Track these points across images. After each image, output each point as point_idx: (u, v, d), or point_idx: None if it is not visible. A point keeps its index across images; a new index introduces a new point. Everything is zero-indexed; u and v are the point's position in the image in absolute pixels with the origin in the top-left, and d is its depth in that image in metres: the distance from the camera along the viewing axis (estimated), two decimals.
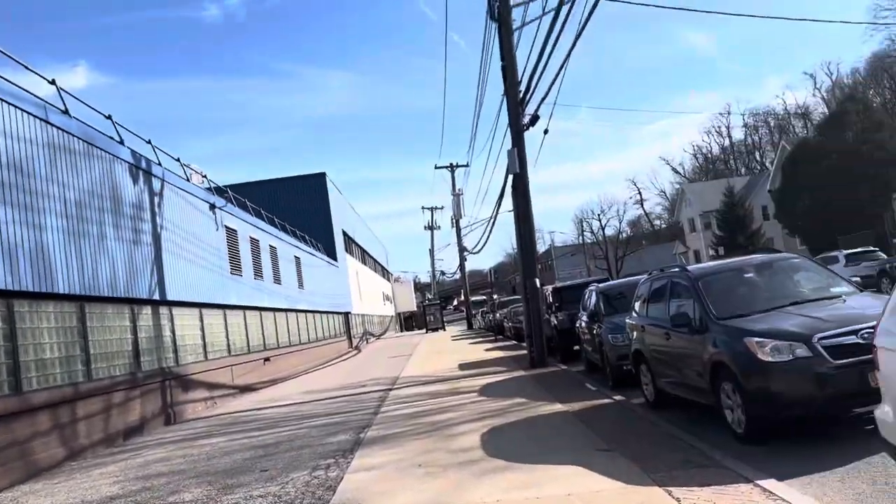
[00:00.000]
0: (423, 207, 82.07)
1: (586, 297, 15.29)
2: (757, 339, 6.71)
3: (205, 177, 21.27)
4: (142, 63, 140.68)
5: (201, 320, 17.03)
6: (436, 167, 52.82)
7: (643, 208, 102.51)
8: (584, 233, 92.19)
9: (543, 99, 14.91)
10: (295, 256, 29.29)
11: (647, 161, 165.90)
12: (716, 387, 7.41)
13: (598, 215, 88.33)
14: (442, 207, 72.59)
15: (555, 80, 14.00)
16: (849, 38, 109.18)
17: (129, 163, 13.63)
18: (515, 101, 17.32)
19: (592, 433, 8.34)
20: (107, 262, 12.14)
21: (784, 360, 6.49)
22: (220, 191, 23.07)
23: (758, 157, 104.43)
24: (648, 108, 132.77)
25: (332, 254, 40.27)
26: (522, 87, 17.20)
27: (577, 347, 17.73)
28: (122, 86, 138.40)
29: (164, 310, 14.77)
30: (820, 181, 43.64)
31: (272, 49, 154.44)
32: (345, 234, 46.57)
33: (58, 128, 11.18)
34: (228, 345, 18.93)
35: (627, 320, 10.76)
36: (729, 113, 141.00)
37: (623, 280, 14.78)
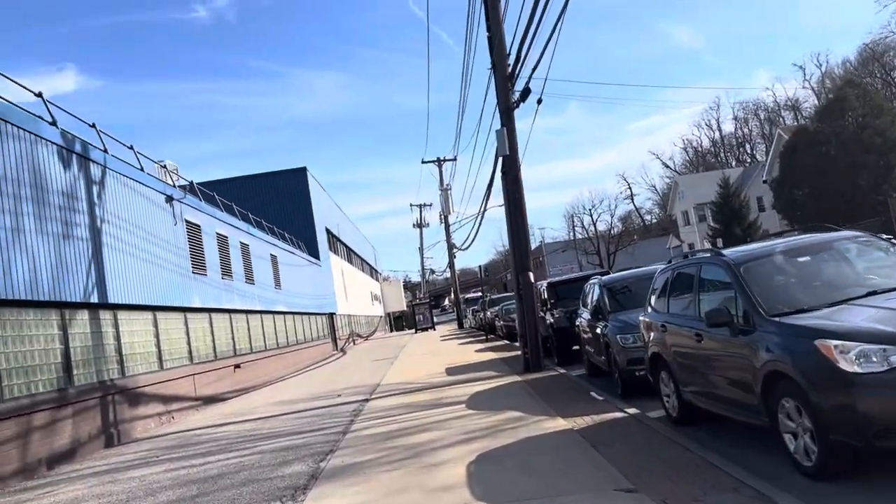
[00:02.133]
0: (411, 204, 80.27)
1: (587, 292, 13.55)
2: (835, 341, 4.96)
3: (186, 182, 19.43)
4: (129, 66, 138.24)
5: (155, 325, 15.16)
6: (423, 161, 50.94)
7: (633, 203, 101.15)
8: (576, 228, 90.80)
9: (535, 68, 13.11)
10: (271, 254, 27.41)
11: (636, 156, 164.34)
12: (770, 404, 5.67)
13: (590, 210, 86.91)
14: (430, 204, 70.81)
15: (548, 42, 12.20)
16: (836, 30, 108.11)
17: (57, 144, 11.76)
18: (504, 76, 15.55)
19: (607, 463, 6.58)
20: (25, 259, 10.28)
21: (877, 371, 4.75)
22: (193, 190, 21.25)
23: (748, 150, 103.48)
24: (637, 103, 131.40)
25: (314, 252, 38.39)
26: (511, 61, 15.46)
27: (575, 348, 16.02)
28: (110, 89, 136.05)
29: (105, 314, 12.90)
30: (819, 169, 42.11)
31: (260, 50, 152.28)
32: (329, 232, 44.70)
33: None
34: (190, 351, 17.06)
35: (641, 318, 9.01)
36: (718, 106, 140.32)
37: (629, 272, 13.04)
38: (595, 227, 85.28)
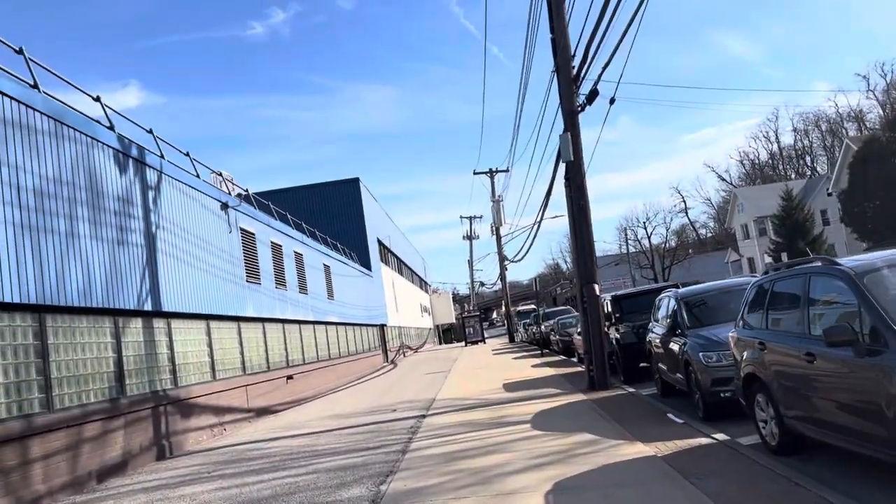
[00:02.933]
0: (461, 217, 79.82)
1: (659, 305, 12.70)
2: None
3: (242, 191, 19.29)
4: (189, 82, 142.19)
5: (209, 334, 14.87)
6: (474, 172, 50.49)
7: (688, 216, 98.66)
8: (629, 241, 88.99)
9: (606, 67, 12.38)
10: (324, 264, 27.15)
11: (691, 168, 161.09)
12: None
13: (644, 223, 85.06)
14: (481, 216, 70.23)
15: (621, 39, 11.46)
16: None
17: (114, 148, 11.54)
18: (568, 79, 14.86)
19: (706, 498, 5.81)
20: (78, 264, 10.01)
21: None
22: (248, 199, 21.14)
23: (808, 162, 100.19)
24: (692, 114, 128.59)
25: (366, 263, 38.14)
26: (576, 63, 14.77)
27: (643, 365, 15.14)
28: (171, 104, 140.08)
29: (159, 322, 12.62)
30: (891, 181, 40.09)
31: (313, 65, 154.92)
32: (380, 242, 44.46)
33: (15, 100, 9.10)
34: (243, 362, 16.75)
35: (731, 334, 8.19)
36: (777, 117, 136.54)
37: (707, 284, 12.20)
38: (649, 240, 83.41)
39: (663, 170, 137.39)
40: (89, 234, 10.39)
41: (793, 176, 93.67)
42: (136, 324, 11.78)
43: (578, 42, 14.42)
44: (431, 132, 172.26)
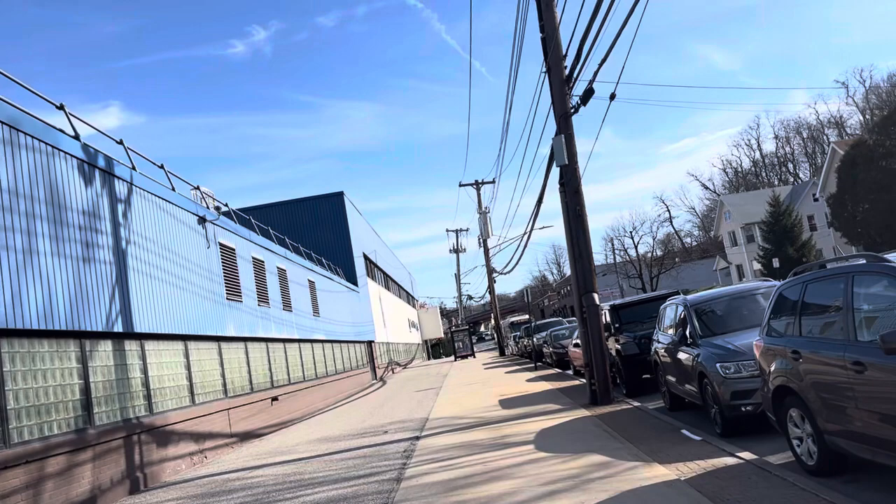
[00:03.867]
0: (447, 230, 79.24)
1: (664, 314, 12.01)
2: None
3: (222, 206, 18.44)
4: (170, 101, 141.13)
5: (187, 356, 13.99)
6: (460, 184, 49.84)
7: (672, 226, 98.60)
8: (616, 251, 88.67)
9: (602, 63, 11.72)
10: (309, 280, 26.29)
11: (675, 178, 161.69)
12: None
13: (630, 232, 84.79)
14: (467, 229, 69.65)
15: (618, 35, 10.81)
16: (876, 46, 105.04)
17: (78, 158, 10.71)
18: (560, 79, 14.22)
19: None
20: (38, 283, 9.15)
21: None
22: (229, 215, 20.33)
23: (791, 169, 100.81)
24: (673, 125, 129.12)
25: (352, 278, 37.26)
26: (568, 63, 14.16)
27: (645, 377, 14.45)
28: (153, 124, 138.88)
29: (131, 344, 11.75)
30: (881, 184, 39.90)
31: (296, 83, 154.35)
32: (366, 257, 43.60)
33: None
34: (225, 384, 15.85)
35: (756, 342, 7.49)
36: (758, 125, 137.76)
37: (718, 290, 11.52)
38: (636, 249, 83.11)
39: (647, 180, 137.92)
40: (50, 250, 9.54)
41: (776, 182, 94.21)
42: (106, 347, 10.91)
43: (570, 40, 13.84)
44: (416, 147, 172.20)
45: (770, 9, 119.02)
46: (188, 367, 13.95)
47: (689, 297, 11.40)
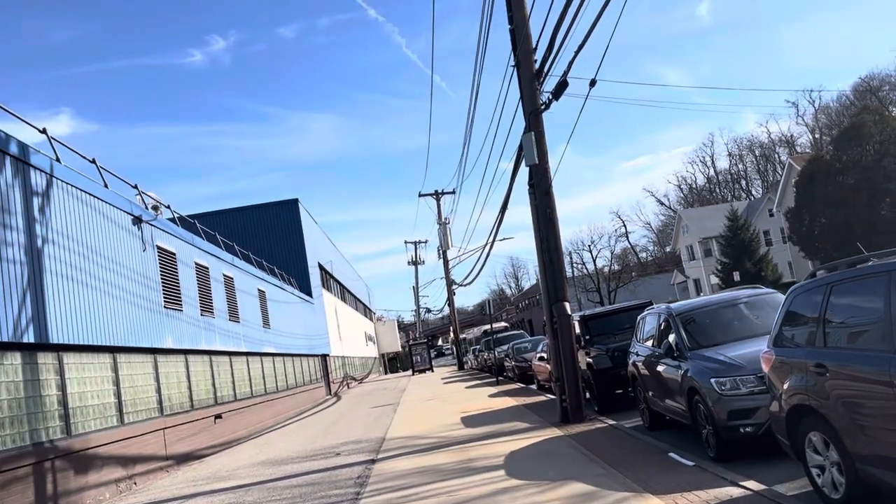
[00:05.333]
0: (405, 242, 77.90)
1: (644, 324, 11.06)
2: None
3: (157, 203, 16.99)
4: (124, 110, 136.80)
5: (115, 370, 12.54)
6: (420, 195, 48.76)
7: (628, 240, 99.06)
8: (574, 264, 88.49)
9: (579, 50, 10.77)
10: (259, 290, 24.82)
11: (631, 194, 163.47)
12: None
13: (589, 246, 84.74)
14: (426, 241, 68.62)
15: (596, 20, 9.90)
16: (826, 69, 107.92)
17: None
18: (530, 74, 13.29)
19: None
20: None
21: None
22: (183, 222, 18.95)
23: (743, 185, 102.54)
24: (629, 143, 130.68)
25: (306, 289, 35.76)
26: (538, 57, 13.24)
27: (619, 392, 13.52)
28: (105, 132, 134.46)
29: (45, 357, 10.30)
30: (838, 198, 40.11)
31: (255, 94, 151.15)
32: (321, 267, 42.11)
33: None
34: (160, 401, 14.38)
35: (765, 353, 6.52)
36: (712, 142, 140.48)
37: (704, 299, 10.68)
38: (595, 263, 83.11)
39: (604, 196, 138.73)
40: None
41: (730, 199, 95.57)
42: (13, 359, 9.47)
43: (542, 32, 12.92)
44: (376, 161, 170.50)
45: (723, 31, 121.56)
46: (117, 383, 12.50)
47: (675, 305, 10.47)
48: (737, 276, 45.13)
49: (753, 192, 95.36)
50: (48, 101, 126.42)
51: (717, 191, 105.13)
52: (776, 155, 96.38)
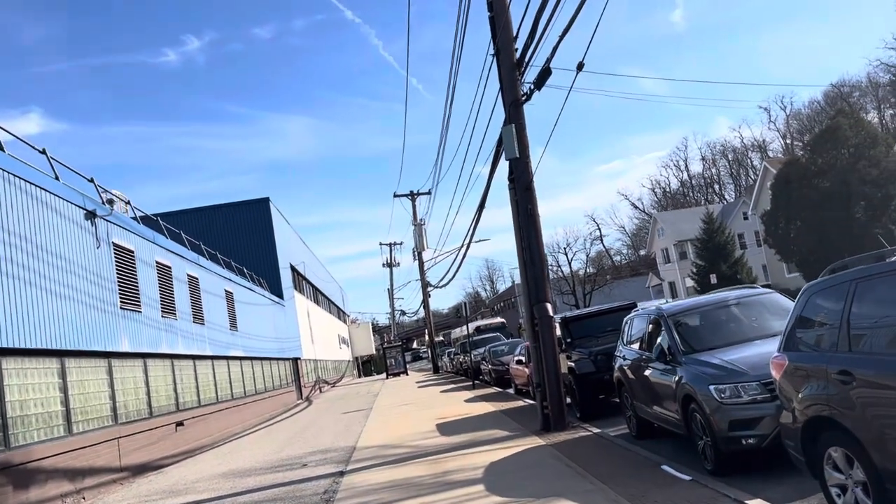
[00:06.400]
0: (380, 243, 77.05)
1: (631, 326, 10.42)
2: None
3: (112, 196, 16.00)
4: (96, 109, 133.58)
5: (62, 376, 11.60)
6: (395, 195, 47.96)
7: (603, 244, 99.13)
8: (550, 268, 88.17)
9: (562, 37, 10.12)
10: (226, 291, 23.85)
11: (605, 198, 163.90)
12: None
13: (564, 249, 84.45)
14: (401, 243, 67.80)
15: (580, 6, 9.25)
16: (798, 76, 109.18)
17: None
18: (510, 63, 12.63)
19: None
20: None
21: None
22: (147, 220, 18.00)
23: (717, 190, 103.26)
24: (604, 147, 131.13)
25: (277, 291, 34.77)
26: (519, 46, 12.59)
27: (602, 397, 12.89)
28: (76, 132, 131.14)
29: None
30: (814, 202, 40.06)
31: (229, 95, 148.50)
32: (293, 269, 41.11)
33: None
34: (115, 408, 13.45)
35: (776, 359, 5.88)
36: (686, 147, 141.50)
37: (698, 299, 10.04)
38: (570, 266, 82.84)
39: (579, 199, 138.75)
40: None
41: (703, 202, 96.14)
42: None
43: (522, 19, 12.27)
44: (351, 163, 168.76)
45: (697, 37, 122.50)
46: (64, 390, 11.56)
47: (666, 305, 9.84)
48: (714, 279, 44.96)
49: (727, 196, 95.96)
50: (17, 99, 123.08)
51: (691, 194, 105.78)
52: (749, 160, 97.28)
